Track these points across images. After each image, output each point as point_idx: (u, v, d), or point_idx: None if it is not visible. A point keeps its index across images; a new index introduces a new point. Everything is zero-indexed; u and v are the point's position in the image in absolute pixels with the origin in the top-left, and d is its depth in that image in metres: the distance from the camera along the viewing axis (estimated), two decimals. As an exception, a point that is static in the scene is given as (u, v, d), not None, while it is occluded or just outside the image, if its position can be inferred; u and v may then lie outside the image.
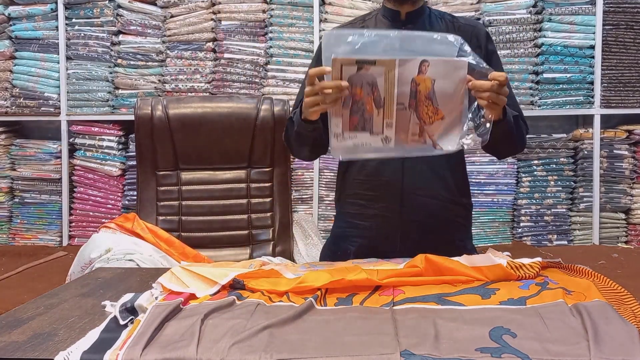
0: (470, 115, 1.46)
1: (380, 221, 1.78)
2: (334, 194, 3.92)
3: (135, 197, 2.88)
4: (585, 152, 3.66)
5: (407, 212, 1.75)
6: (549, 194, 3.69)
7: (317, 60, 1.78)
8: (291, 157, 2.51)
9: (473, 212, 1.90)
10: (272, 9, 3.74)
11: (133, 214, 2.27)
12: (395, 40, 1.41)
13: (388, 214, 1.77)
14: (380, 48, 1.40)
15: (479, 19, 3.60)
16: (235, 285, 1.39)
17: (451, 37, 1.42)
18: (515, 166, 3.69)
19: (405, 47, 1.40)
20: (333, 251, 1.88)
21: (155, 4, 3.79)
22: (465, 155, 3.43)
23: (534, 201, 3.70)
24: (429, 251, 1.41)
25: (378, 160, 1.75)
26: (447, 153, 1.49)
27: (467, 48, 1.40)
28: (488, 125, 1.46)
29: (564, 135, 3.78)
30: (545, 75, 3.61)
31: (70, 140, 3.84)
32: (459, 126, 1.47)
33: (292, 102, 3.07)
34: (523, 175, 3.69)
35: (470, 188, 1.91)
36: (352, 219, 1.84)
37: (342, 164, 1.88)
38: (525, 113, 1.84)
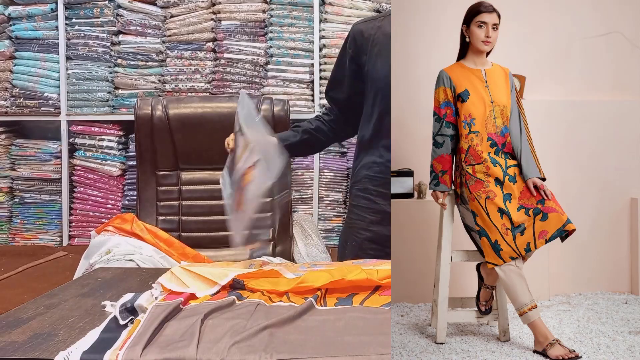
0: None
1: (386, 217, 1.83)
2: (334, 194, 3.92)
3: (135, 197, 2.89)
4: None
5: None
6: None
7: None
8: (291, 157, 2.51)
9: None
10: (272, 9, 3.74)
11: (130, 214, 2.26)
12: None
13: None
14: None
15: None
16: (235, 285, 1.39)
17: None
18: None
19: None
20: (345, 240, 1.95)
21: (155, 4, 3.79)
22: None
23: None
24: None
25: (388, 158, 1.83)
26: None
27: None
28: None
29: None
30: None
31: (70, 140, 3.84)
32: None
33: (292, 102, 3.08)
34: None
35: None
36: (360, 211, 1.89)
37: (357, 158, 1.93)
38: None
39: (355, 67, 1.84)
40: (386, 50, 1.79)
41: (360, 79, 1.84)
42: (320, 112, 2.02)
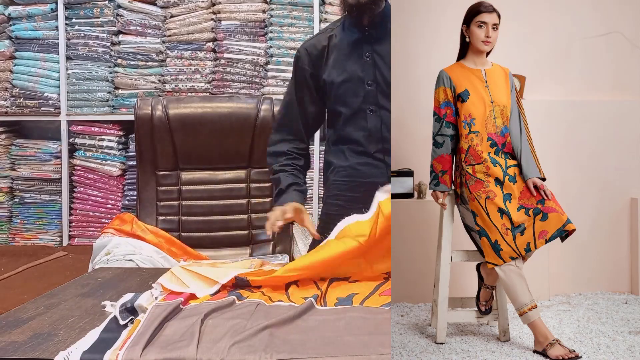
0: None
1: None
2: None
3: (135, 197, 2.88)
4: None
5: None
6: None
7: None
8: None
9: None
10: (272, 9, 3.74)
11: (129, 214, 2.26)
12: None
13: None
14: None
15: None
16: (238, 283, 1.39)
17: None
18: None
19: None
20: None
21: (155, 4, 3.78)
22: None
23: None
24: None
25: (358, 162, 1.78)
26: None
27: None
28: None
29: None
30: None
31: (70, 140, 3.84)
32: None
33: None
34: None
35: None
36: (333, 220, 1.81)
37: (326, 166, 1.90)
38: None
39: (314, 81, 1.83)
40: (342, 56, 1.78)
41: (321, 91, 1.83)
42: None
